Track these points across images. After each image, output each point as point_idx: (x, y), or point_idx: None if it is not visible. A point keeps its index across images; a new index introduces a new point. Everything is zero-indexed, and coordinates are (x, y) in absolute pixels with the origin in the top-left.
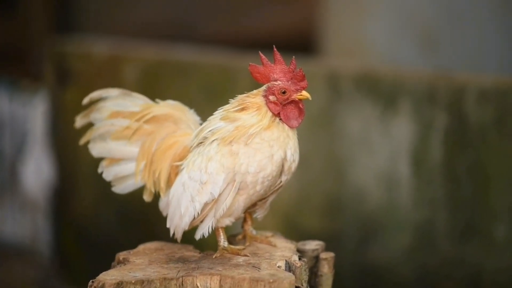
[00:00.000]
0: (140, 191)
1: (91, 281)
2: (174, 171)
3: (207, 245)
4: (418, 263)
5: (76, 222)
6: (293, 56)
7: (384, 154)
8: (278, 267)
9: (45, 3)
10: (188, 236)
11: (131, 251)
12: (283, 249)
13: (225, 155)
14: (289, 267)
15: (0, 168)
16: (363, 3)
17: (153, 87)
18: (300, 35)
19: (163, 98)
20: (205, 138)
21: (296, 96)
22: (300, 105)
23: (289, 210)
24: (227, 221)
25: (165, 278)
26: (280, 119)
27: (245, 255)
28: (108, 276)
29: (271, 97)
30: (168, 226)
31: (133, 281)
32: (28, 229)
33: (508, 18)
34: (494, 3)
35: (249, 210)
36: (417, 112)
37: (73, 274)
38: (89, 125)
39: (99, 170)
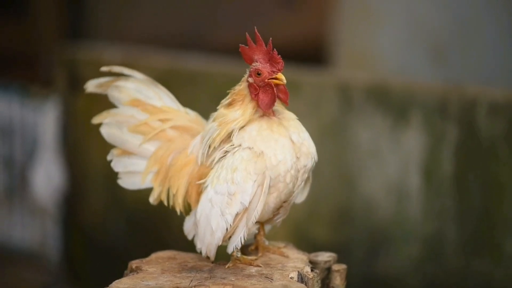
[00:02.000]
0: (147, 196)
1: None
2: (194, 189)
3: (220, 255)
4: (427, 274)
5: (85, 228)
6: (270, 38)
7: (394, 165)
8: (290, 278)
9: (56, 10)
10: None
11: (144, 260)
12: (296, 260)
13: (251, 161)
14: (302, 278)
15: (11, 174)
16: (374, 14)
17: None
18: (310, 46)
19: None
20: (226, 152)
21: (271, 80)
22: (275, 90)
23: (299, 220)
24: (254, 228)
25: (177, 287)
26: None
27: (258, 266)
28: (121, 284)
29: (250, 79)
30: (199, 247)
31: None
32: (37, 235)
33: None
34: (505, 15)
35: (275, 213)
36: (427, 124)
37: (81, 279)
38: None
39: (108, 158)
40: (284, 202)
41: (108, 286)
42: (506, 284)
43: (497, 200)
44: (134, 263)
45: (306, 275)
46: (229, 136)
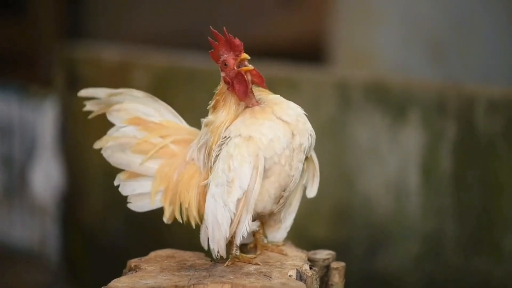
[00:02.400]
0: None
1: (102, 287)
2: (203, 198)
3: None
4: (426, 272)
5: (85, 228)
6: (224, 27)
7: (393, 163)
8: (289, 276)
9: (55, 9)
10: (200, 244)
11: (143, 258)
12: (294, 258)
13: (242, 145)
14: (300, 276)
15: (10, 173)
16: (372, 12)
17: (163, 94)
18: (309, 44)
19: (173, 105)
20: (221, 145)
21: (240, 69)
22: (247, 77)
23: (298, 218)
24: (255, 226)
25: (176, 286)
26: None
27: (257, 264)
28: (120, 283)
29: (222, 74)
30: (212, 247)
31: None
32: (36, 234)
33: None
34: (503, 13)
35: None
36: (426, 122)
37: (81, 279)
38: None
39: (116, 183)
40: (284, 191)
41: (106, 285)
42: (505, 282)
43: (496, 197)
44: (132, 262)
45: (304, 273)
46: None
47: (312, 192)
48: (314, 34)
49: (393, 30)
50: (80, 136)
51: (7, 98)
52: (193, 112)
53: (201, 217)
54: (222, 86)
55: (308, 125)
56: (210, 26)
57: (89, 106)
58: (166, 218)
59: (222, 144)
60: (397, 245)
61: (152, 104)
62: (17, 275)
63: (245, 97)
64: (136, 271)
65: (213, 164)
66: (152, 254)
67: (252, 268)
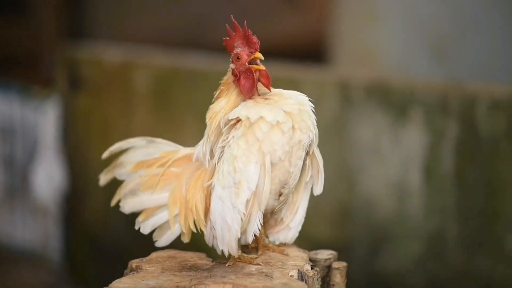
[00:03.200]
0: None
1: None
2: (208, 200)
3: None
4: (429, 272)
5: (87, 228)
6: (245, 21)
7: (395, 163)
8: (290, 276)
9: (57, 10)
10: (201, 244)
11: (144, 259)
12: (296, 258)
13: (245, 145)
14: (302, 276)
15: (11, 174)
16: (374, 12)
17: (164, 95)
18: (311, 44)
19: (175, 105)
20: (222, 146)
21: (252, 66)
22: (256, 75)
23: None
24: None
25: (177, 286)
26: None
27: (258, 264)
28: (121, 284)
29: (232, 65)
30: (220, 248)
31: None
32: (38, 235)
33: None
34: (506, 12)
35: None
36: (428, 122)
37: (83, 280)
38: (114, 181)
39: (136, 227)
40: (283, 188)
41: (108, 285)
42: (507, 282)
43: (498, 197)
44: (134, 262)
45: (306, 273)
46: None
47: (318, 190)
48: (316, 33)
49: (395, 30)
50: (82, 136)
51: (9, 99)
52: (195, 112)
53: (207, 220)
54: (228, 77)
55: (310, 120)
56: (231, 16)
57: (103, 179)
58: (184, 237)
59: (224, 146)
60: (399, 245)
61: (151, 145)
62: (19, 276)
63: (248, 94)
64: (138, 271)
65: (216, 164)
66: (154, 254)
67: (253, 268)
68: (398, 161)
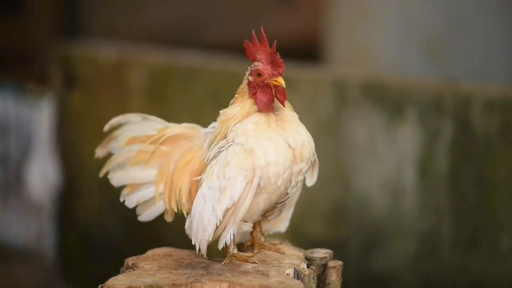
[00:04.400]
0: None
1: (100, 286)
2: (194, 186)
3: (216, 252)
4: (423, 271)
5: (80, 225)
6: (275, 41)
7: (390, 162)
8: (286, 274)
9: (52, 7)
10: None
11: (140, 257)
12: (292, 257)
13: (241, 156)
14: (298, 275)
15: (6, 171)
16: (369, 11)
17: (159, 92)
18: (306, 43)
19: (169, 103)
20: (221, 147)
21: (270, 81)
22: (274, 91)
23: (294, 217)
24: (246, 228)
25: (174, 284)
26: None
27: (254, 262)
28: (117, 281)
29: (250, 78)
30: (193, 242)
31: (142, 287)
32: (32, 232)
33: None
34: (501, 12)
35: (267, 214)
36: (423, 121)
37: (77, 276)
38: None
39: (121, 199)
40: (277, 203)
41: (104, 283)
42: (501, 281)
43: (492, 196)
44: (130, 260)
45: (302, 272)
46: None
47: (311, 181)
48: (311, 32)
49: (390, 29)
50: (76, 134)
51: (3, 96)
52: (190, 110)
53: (189, 205)
54: (243, 86)
55: (309, 154)
56: (262, 27)
57: (98, 152)
58: (167, 216)
59: (222, 147)
60: (393, 243)
61: (145, 122)
62: (13, 273)
63: (265, 109)
64: (134, 269)
65: (209, 160)
66: (150, 252)
67: (249, 266)
68: (393, 160)
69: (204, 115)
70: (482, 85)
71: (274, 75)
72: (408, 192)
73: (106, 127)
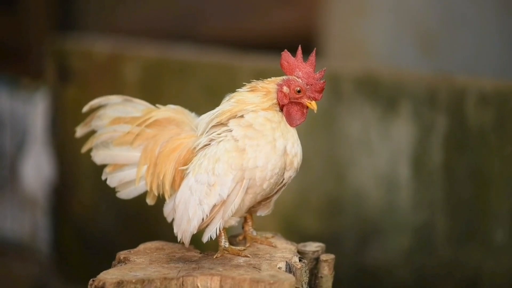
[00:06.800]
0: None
1: (91, 280)
2: (179, 174)
3: (208, 246)
4: (417, 265)
5: (75, 220)
6: (325, 68)
7: (384, 156)
8: (278, 268)
9: (46, 1)
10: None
11: (132, 251)
12: (284, 250)
13: (232, 154)
14: (290, 269)
15: (0, 166)
16: (364, 5)
17: (154, 86)
18: (300, 37)
19: (164, 97)
20: (212, 140)
21: (306, 102)
22: (305, 110)
23: (289, 211)
24: (233, 222)
25: (165, 278)
26: (281, 111)
27: (246, 256)
28: (109, 275)
29: (285, 88)
30: (175, 231)
31: (133, 281)
32: (27, 227)
33: (509, 21)
34: (494, 6)
35: (252, 209)
36: (417, 115)
37: (72, 271)
38: (90, 133)
39: (103, 177)
40: (263, 200)
41: (95, 277)
42: (495, 274)
43: (486, 190)
44: (122, 254)
45: (294, 265)
46: (241, 116)
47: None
48: (306, 26)
49: (384, 23)
50: (71, 128)
51: None
52: (184, 103)
53: (172, 192)
54: (269, 87)
55: (298, 164)
56: (315, 49)
57: (79, 133)
58: (149, 199)
59: (214, 140)
60: (388, 237)
61: (129, 104)
62: (8, 267)
63: (294, 125)
64: (125, 263)
65: (198, 150)
66: (141, 246)
67: (241, 260)
68: (387, 154)
69: (199, 108)
70: (476, 78)
71: (311, 98)
72: (402, 185)
73: (86, 108)
